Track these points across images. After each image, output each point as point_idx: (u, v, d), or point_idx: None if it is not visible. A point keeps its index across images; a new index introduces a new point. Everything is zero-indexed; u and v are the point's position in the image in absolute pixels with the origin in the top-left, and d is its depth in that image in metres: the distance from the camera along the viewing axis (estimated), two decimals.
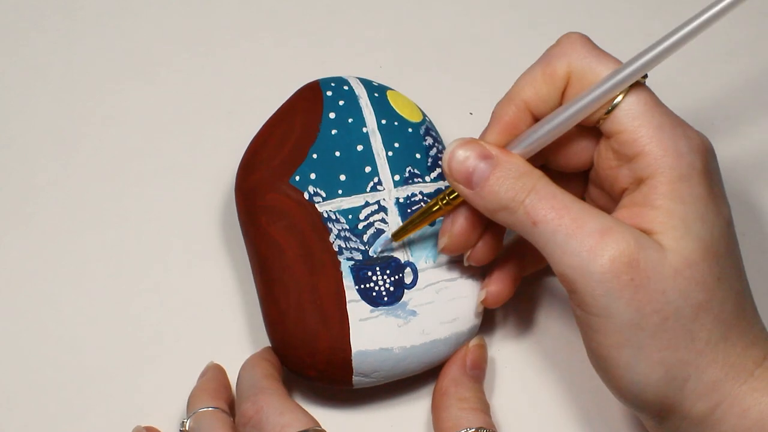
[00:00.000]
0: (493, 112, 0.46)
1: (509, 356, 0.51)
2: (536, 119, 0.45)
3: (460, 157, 0.44)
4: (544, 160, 0.47)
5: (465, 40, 0.59)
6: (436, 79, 0.57)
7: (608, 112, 0.43)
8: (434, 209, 0.46)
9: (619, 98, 0.43)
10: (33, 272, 0.53)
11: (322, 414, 0.49)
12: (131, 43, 0.59)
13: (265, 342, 0.50)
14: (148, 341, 0.51)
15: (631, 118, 0.42)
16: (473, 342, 0.49)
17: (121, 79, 0.58)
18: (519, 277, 0.49)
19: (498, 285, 0.48)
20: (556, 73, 0.44)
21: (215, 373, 0.49)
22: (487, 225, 0.46)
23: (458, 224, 0.46)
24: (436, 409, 0.48)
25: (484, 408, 0.47)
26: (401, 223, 0.48)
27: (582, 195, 0.48)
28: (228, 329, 0.51)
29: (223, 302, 0.52)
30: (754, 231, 0.54)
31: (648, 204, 0.42)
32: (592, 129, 0.44)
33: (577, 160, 0.46)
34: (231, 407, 0.48)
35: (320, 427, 0.44)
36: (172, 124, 0.56)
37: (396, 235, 0.48)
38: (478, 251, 0.47)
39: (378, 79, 0.54)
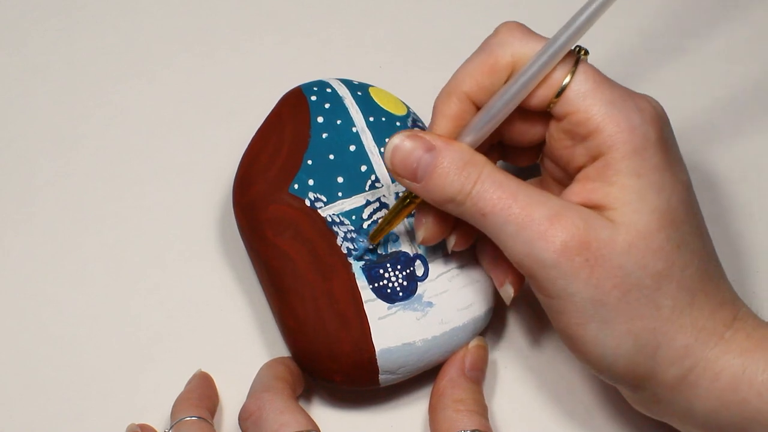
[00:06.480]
0: (434, 107, 0.45)
1: (510, 358, 0.51)
2: (479, 110, 0.44)
3: (402, 151, 0.43)
4: (500, 137, 0.46)
5: (465, 40, 0.59)
6: (436, 79, 0.57)
7: (558, 95, 0.43)
8: (406, 203, 0.46)
9: (567, 79, 0.42)
10: (32, 272, 0.53)
11: (321, 415, 0.49)
12: (131, 43, 0.59)
13: (264, 340, 0.50)
14: (147, 341, 0.51)
15: (581, 97, 0.42)
16: (473, 342, 0.48)
17: (121, 79, 0.58)
18: None
19: (517, 274, 0.46)
20: (498, 62, 0.43)
21: (200, 382, 0.49)
22: None
23: (430, 214, 0.45)
24: (432, 410, 0.47)
25: (481, 410, 0.47)
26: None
27: (537, 163, 0.48)
28: (227, 329, 0.51)
29: (222, 302, 0.52)
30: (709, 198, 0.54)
31: (603, 179, 0.42)
32: (542, 113, 0.44)
33: (530, 140, 0.46)
34: (216, 415, 0.48)
35: (318, 430, 0.44)
36: (172, 124, 0.56)
37: (373, 237, 0.47)
38: (461, 236, 0.46)
39: (378, 79, 0.54)
